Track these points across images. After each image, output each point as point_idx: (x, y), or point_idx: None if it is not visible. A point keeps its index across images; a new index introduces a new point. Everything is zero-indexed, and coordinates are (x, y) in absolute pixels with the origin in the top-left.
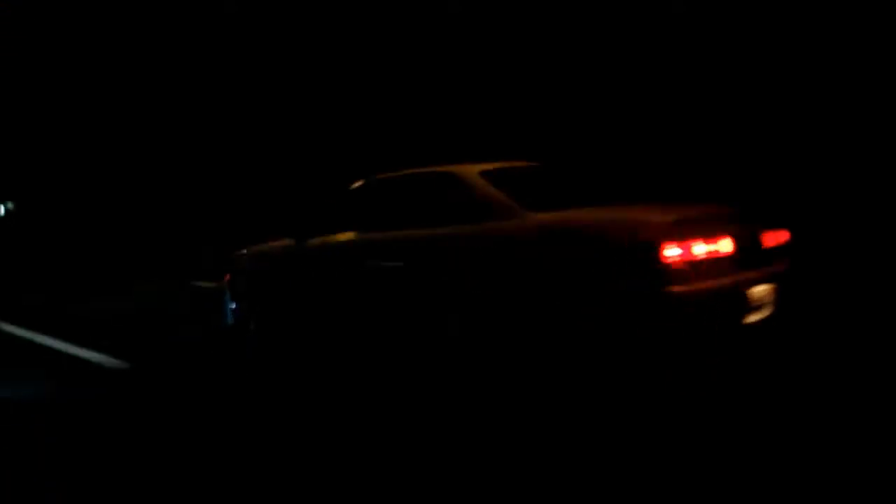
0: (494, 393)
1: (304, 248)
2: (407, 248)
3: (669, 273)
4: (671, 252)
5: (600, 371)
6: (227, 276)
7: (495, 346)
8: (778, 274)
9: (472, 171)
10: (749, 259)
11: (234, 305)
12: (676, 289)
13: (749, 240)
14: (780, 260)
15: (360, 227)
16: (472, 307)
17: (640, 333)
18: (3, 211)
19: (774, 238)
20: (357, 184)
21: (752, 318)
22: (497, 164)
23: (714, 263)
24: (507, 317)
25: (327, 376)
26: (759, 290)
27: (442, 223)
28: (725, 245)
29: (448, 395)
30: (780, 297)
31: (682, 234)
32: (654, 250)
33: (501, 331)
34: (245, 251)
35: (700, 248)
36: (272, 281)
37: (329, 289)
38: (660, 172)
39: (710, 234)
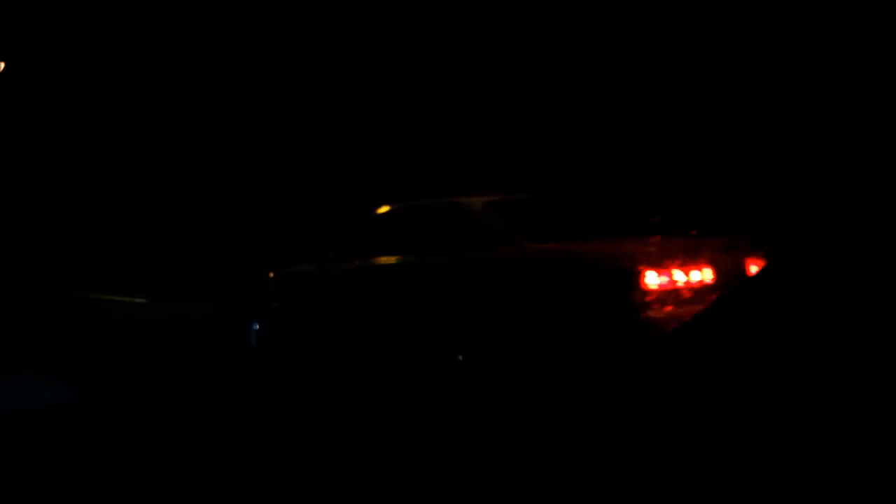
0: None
1: (331, 272)
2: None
3: (649, 299)
4: (652, 280)
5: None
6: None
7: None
8: None
9: (478, 202)
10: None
11: (257, 327)
12: (654, 314)
13: (735, 267)
14: None
15: (385, 251)
16: (485, 324)
17: (619, 352)
18: None
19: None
20: (382, 209)
21: None
22: (500, 196)
23: (695, 291)
24: (511, 334)
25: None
26: None
27: (459, 249)
28: (707, 274)
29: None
30: None
31: (664, 263)
32: (636, 277)
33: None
34: (271, 274)
35: (680, 277)
36: (300, 304)
37: (358, 311)
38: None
39: (690, 264)
